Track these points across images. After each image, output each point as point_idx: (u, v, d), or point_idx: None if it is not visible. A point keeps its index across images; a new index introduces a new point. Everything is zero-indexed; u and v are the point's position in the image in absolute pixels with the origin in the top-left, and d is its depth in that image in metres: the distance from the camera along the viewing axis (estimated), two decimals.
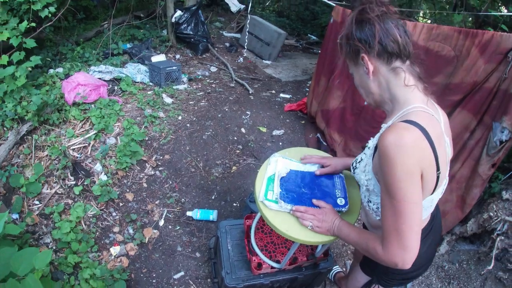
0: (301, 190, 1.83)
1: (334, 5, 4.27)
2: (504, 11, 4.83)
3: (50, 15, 4.07)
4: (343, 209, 1.74)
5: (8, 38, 3.82)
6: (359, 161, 1.56)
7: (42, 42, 5.46)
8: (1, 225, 1.93)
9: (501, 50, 2.70)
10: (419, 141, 1.19)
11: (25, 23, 3.86)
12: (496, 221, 2.96)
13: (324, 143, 4.58)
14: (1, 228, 1.92)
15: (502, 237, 2.93)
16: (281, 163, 1.97)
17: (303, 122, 5.16)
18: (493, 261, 2.89)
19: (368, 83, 1.41)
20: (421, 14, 10.03)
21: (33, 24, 3.94)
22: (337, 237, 1.64)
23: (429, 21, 9.75)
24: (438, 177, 1.30)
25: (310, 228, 1.64)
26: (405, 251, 1.24)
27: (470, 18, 5.95)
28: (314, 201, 1.73)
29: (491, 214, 3.01)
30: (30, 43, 3.95)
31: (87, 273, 2.72)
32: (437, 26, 3.09)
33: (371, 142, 1.50)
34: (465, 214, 3.19)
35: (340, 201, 1.77)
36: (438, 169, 1.27)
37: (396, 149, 1.17)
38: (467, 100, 3.00)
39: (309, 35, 10.42)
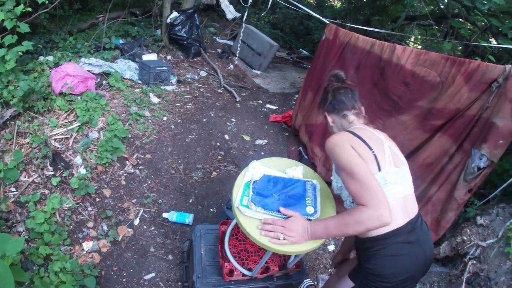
0: (272, 195, 1.85)
1: (328, 22, 4.35)
2: (494, 42, 4.96)
3: (47, 1, 4.06)
4: (311, 218, 1.76)
5: (3, 20, 3.79)
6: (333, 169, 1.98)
7: (36, 28, 5.42)
8: None
9: (485, 80, 2.80)
10: (345, 135, 1.79)
11: (21, 7, 3.86)
12: (469, 245, 3.03)
13: (305, 157, 4.63)
14: None
15: (474, 261, 2.99)
16: (259, 170, 2.00)
17: (286, 134, 5.22)
18: (464, 284, 2.94)
19: (332, 127, 2.10)
20: (412, 39, 10.24)
21: (29, 9, 3.95)
22: (315, 244, 1.71)
23: (419, 47, 9.95)
24: (375, 157, 1.72)
25: (283, 240, 1.67)
26: (378, 198, 1.52)
27: (460, 47, 6.09)
28: (281, 209, 1.76)
29: (465, 238, 3.07)
30: (24, 27, 3.94)
31: (57, 266, 2.71)
32: (425, 52, 3.19)
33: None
34: (439, 236, 3.26)
35: (310, 209, 1.80)
36: (370, 148, 1.72)
37: (332, 142, 1.75)
38: (449, 126, 3.11)
39: (301, 49, 10.51)
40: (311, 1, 13.81)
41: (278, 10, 11.37)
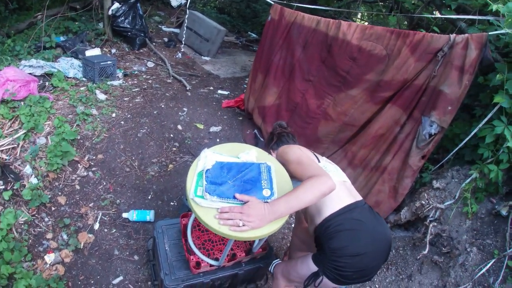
0: (226, 181, 1.85)
1: (272, 3, 4.35)
2: (438, 14, 5.09)
3: None
4: (268, 200, 1.78)
5: None
6: None
7: None
8: None
9: (431, 50, 2.91)
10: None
11: None
12: (428, 208, 3.16)
13: (261, 139, 4.67)
14: None
15: (435, 223, 3.13)
16: (210, 158, 1.99)
17: (240, 118, 5.23)
18: (427, 246, 3.07)
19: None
20: (359, 16, 10.36)
21: None
22: (275, 226, 1.74)
23: (366, 23, 10.08)
24: (315, 155, 2.25)
25: (243, 226, 1.68)
26: (320, 170, 1.84)
27: (406, 22, 6.22)
28: (237, 195, 1.78)
29: (423, 202, 3.20)
30: None
31: (22, 284, 2.64)
32: (370, 27, 3.26)
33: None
34: (398, 203, 3.40)
35: (266, 192, 1.81)
36: (311, 151, 2.28)
37: (280, 150, 2.23)
38: (398, 96, 3.22)
39: (249, 32, 10.47)
40: None
41: None
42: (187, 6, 6.73)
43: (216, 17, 9.76)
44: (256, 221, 1.69)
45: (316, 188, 1.71)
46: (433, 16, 4.64)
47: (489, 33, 2.72)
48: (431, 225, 3.14)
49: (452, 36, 2.79)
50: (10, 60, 4.90)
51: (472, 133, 3.06)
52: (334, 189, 1.75)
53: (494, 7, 2.68)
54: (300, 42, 3.99)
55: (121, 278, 2.95)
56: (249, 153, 2.12)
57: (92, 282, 2.89)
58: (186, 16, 7.18)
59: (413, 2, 5.59)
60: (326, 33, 3.63)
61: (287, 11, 4.09)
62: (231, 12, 11.33)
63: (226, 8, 11.51)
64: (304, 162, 1.95)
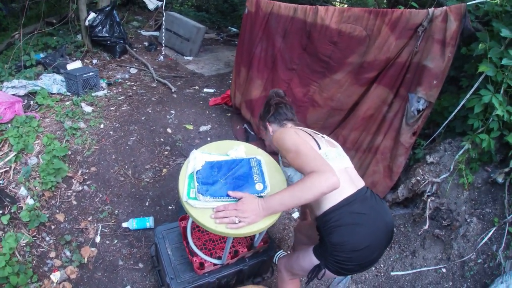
0: (217, 180, 1.85)
1: None
2: None
3: None
4: (262, 194, 1.79)
5: None
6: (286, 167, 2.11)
7: None
8: None
9: (410, 26, 2.92)
10: (288, 127, 2.17)
11: None
12: (424, 183, 3.19)
13: (252, 133, 4.68)
14: None
15: (433, 198, 3.16)
16: (200, 158, 1.99)
17: (229, 114, 5.22)
18: (427, 220, 3.10)
19: (271, 136, 2.13)
20: (338, 1, 10.36)
21: None
22: (272, 219, 1.76)
23: (345, 6, 10.09)
24: (315, 140, 2.00)
25: (239, 223, 1.69)
26: (323, 164, 1.69)
27: (385, 1, 6.22)
28: (230, 192, 1.78)
29: (419, 178, 3.23)
30: None
31: None
32: (348, 9, 3.28)
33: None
34: (393, 181, 3.42)
35: (259, 186, 1.83)
36: (309, 134, 2.04)
37: (276, 135, 1.99)
38: (382, 76, 3.23)
39: (229, 27, 10.45)
40: None
41: None
42: (163, 7, 6.69)
43: (195, 16, 9.73)
44: (252, 216, 1.70)
45: (316, 188, 1.62)
46: None
47: (468, 3, 2.74)
48: (429, 199, 3.17)
49: (431, 10, 2.81)
50: None
51: (460, 105, 3.08)
52: (337, 187, 1.65)
53: None
54: (279, 31, 3.98)
55: (128, 287, 2.96)
56: (238, 149, 2.12)
57: None
58: (164, 18, 7.14)
59: None
60: (304, 20, 3.63)
61: (263, 2, 4.07)
62: (209, 9, 11.30)
63: (203, 5, 11.47)
64: (303, 152, 1.76)
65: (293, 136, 1.88)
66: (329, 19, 3.38)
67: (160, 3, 8.57)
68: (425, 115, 3.05)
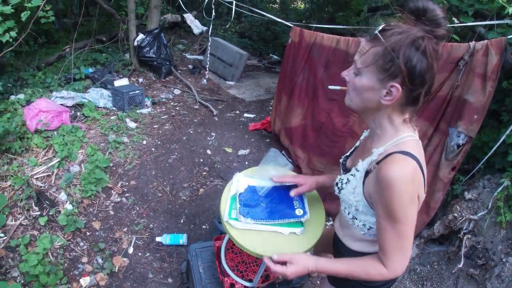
0: (258, 204, 1.85)
1: (292, 26, 4.40)
2: (456, 22, 5.08)
3: (11, 39, 4.02)
4: (302, 219, 1.76)
5: None
6: (346, 182, 1.54)
7: (3, 68, 5.37)
8: None
9: (452, 59, 2.88)
10: (416, 172, 1.27)
11: None
12: (461, 220, 3.09)
13: (289, 160, 4.66)
14: None
15: (469, 236, 3.06)
16: (243, 181, 2.00)
17: (268, 140, 5.24)
18: (462, 259, 3.01)
19: (373, 102, 1.34)
20: None
21: None
22: (308, 247, 1.70)
23: None
24: None
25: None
26: (406, 262, 1.36)
27: None
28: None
29: (456, 214, 3.14)
30: None
31: None
32: None
33: (361, 166, 1.46)
34: (430, 217, 3.32)
35: (299, 211, 1.80)
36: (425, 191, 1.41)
37: (400, 181, 1.22)
38: (423, 109, 3.16)
39: (271, 54, 10.60)
40: (275, 6, 13.94)
41: (243, 19, 11.48)
42: (209, 33, 6.87)
43: (238, 42, 9.94)
44: (298, 275, 1.54)
45: (376, 279, 1.41)
46: (451, 25, 4.62)
47: (509, 36, 2.70)
48: (465, 237, 3.08)
49: (472, 43, 2.77)
50: (42, 92, 5.05)
51: (501, 140, 3.01)
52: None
53: (510, 10, 2.66)
54: (321, 62, 4.01)
55: None
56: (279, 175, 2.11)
57: None
58: (209, 43, 7.32)
59: None
60: (347, 52, 3.64)
61: (307, 33, 4.13)
62: (252, 36, 11.51)
63: (246, 32, 11.70)
64: (402, 235, 1.32)
65: (413, 204, 1.30)
66: None
67: (204, 28, 8.81)
68: (465, 150, 2.98)
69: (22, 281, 2.89)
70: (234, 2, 5.60)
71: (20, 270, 2.90)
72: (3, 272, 2.95)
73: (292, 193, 1.82)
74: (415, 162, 1.26)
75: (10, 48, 4.34)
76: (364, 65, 1.31)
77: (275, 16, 5.04)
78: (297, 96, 4.43)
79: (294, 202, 1.88)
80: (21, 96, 4.80)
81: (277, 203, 1.87)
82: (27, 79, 5.49)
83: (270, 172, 2.12)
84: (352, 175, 1.50)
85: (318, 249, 2.56)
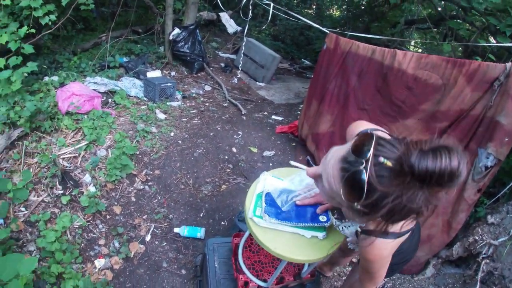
0: (284, 205, 1.83)
1: (328, 32, 4.37)
2: (493, 41, 4.97)
3: (50, 23, 4.11)
4: (325, 225, 1.75)
5: (7, 42, 3.84)
6: (342, 230, 1.65)
7: (40, 49, 5.47)
8: None
9: (487, 79, 2.79)
10: (394, 246, 1.45)
11: (24, 29, 3.92)
12: (482, 244, 3.01)
13: (314, 166, 4.61)
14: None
15: (488, 261, 2.97)
16: (270, 181, 1.99)
17: (293, 144, 5.20)
18: (478, 284, 2.93)
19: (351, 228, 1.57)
20: (412, 44, 10.27)
21: (33, 30, 4.00)
22: (329, 252, 1.69)
23: (419, 50, 9.99)
24: None
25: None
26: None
27: (460, 48, 6.11)
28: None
29: (477, 238, 3.06)
30: (28, 49, 4.01)
31: (69, 284, 2.69)
32: (426, 56, 3.19)
33: (349, 228, 1.60)
34: (451, 238, 3.23)
35: (322, 218, 1.78)
36: None
37: (378, 260, 1.46)
38: (453, 127, 3.09)
39: (302, 59, 10.57)
40: (310, 11, 13.90)
41: (278, 22, 11.46)
42: (245, 33, 6.89)
43: (271, 44, 9.92)
44: None
45: None
46: (488, 44, 4.52)
47: None
48: (483, 262, 2.99)
49: (508, 64, 2.69)
50: (76, 76, 5.13)
51: None
52: None
53: None
54: (355, 70, 3.96)
55: None
56: (306, 180, 2.08)
57: None
58: (244, 43, 7.34)
59: (467, 28, 5.49)
60: (382, 62, 3.59)
61: (342, 40, 4.08)
62: (285, 39, 11.49)
63: (280, 35, 11.69)
64: (376, 277, 1.59)
65: (385, 267, 1.53)
66: (406, 64, 3.32)
67: (239, 28, 8.83)
68: (492, 172, 2.88)
69: (38, 256, 2.94)
70: (272, 4, 5.60)
71: (37, 245, 2.96)
72: (20, 245, 3.01)
73: (319, 210, 1.80)
74: (393, 241, 1.39)
75: (49, 31, 4.45)
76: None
77: (310, 21, 5.00)
78: (328, 103, 4.38)
79: (318, 209, 1.86)
80: (55, 78, 4.90)
81: (302, 207, 1.86)
82: (62, 62, 5.62)
83: (298, 176, 2.09)
84: (345, 227, 1.62)
85: (337, 255, 2.54)
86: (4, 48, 3.96)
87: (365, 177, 0.95)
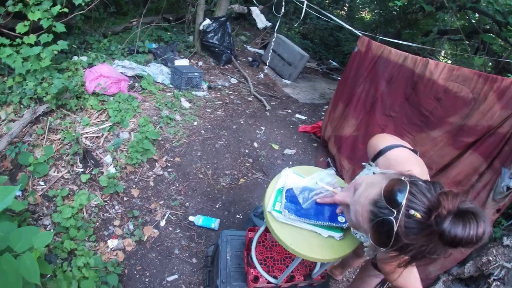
0: (304, 203, 1.82)
1: (360, 34, 4.31)
2: None
3: (83, 3, 4.15)
4: (344, 226, 1.72)
5: (39, 19, 3.89)
6: (359, 237, 1.64)
7: (71, 29, 5.52)
8: (10, 198, 1.93)
9: None
10: None
11: (57, 7, 3.98)
12: (494, 266, 2.94)
13: (334, 168, 4.57)
14: (9, 201, 1.92)
15: (498, 283, 2.90)
16: (291, 178, 1.97)
17: (315, 145, 5.16)
18: None
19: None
20: (442, 54, 10.11)
21: (65, 10, 4.04)
22: (345, 252, 1.67)
23: (449, 62, 9.84)
24: None
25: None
26: None
27: (490, 63, 6.00)
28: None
29: (490, 258, 2.99)
30: (60, 27, 4.07)
31: (81, 261, 2.72)
32: (458, 68, 3.13)
33: (364, 238, 1.58)
34: (464, 256, 3.16)
35: (341, 218, 1.75)
36: None
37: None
38: (480, 143, 3.03)
39: (330, 60, 10.49)
40: (342, 12, 13.81)
41: (308, 20, 11.39)
42: (276, 29, 6.86)
43: (300, 42, 9.88)
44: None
45: None
46: None
47: None
48: (494, 283, 2.90)
49: None
50: (105, 58, 5.19)
51: None
52: None
53: None
54: (385, 76, 3.89)
55: (175, 276, 2.97)
56: (330, 180, 2.06)
57: (148, 274, 2.94)
58: (273, 39, 7.31)
59: (500, 44, 5.38)
60: (413, 70, 3.52)
61: (374, 44, 4.01)
62: (314, 39, 11.44)
63: (309, 34, 11.64)
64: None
65: (416, 274, 1.52)
66: (438, 75, 3.25)
67: (269, 24, 8.81)
68: None
69: (52, 231, 2.97)
70: (306, 2, 5.54)
71: (53, 219, 3.00)
72: (35, 218, 3.06)
73: (338, 210, 1.77)
74: None
75: (81, 12, 4.50)
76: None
77: (342, 22, 4.94)
78: (354, 106, 4.32)
79: (338, 208, 1.84)
80: (84, 58, 4.96)
81: (322, 205, 1.84)
82: (92, 43, 5.67)
83: (320, 175, 2.06)
84: (362, 235, 1.59)
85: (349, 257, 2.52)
86: (37, 25, 4.00)
87: (394, 227, 0.99)
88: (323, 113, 5.76)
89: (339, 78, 4.82)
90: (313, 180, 1.99)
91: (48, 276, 2.56)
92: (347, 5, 13.84)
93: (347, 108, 4.43)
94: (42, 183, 3.37)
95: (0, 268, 1.76)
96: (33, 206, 3.14)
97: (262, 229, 2.36)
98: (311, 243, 1.68)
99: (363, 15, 14.22)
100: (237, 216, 3.64)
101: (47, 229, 3.01)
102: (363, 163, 1.75)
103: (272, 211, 1.76)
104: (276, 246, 2.33)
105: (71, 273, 2.65)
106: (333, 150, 4.68)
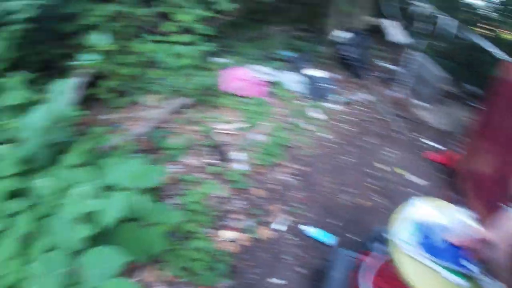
0: (442, 243, 1.72)
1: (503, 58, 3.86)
2: None
3: (233, 9, 4.56)
4: (474, 275, 1.61)
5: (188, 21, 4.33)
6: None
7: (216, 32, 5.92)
8: (155, 178, 2.17)
9: None
10: None
11: (208, 12, 4.41)
12: None
13: (466, 208, 4.21)
14: (155, 181, 2.17)
15: None
16: (424, 210, 1.88)
17: (444, 177, 4.85)
18: None
19: None
20: None
21: (217, 15, 4.46)
22: None
23: None
24: None
25: None
26: None
27: None
28: None
29: None
30: (208, 30, 4.48)
31: (194, 243, 2.97)
32: None
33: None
34: None
35: (471, 265, 1.64)
36: None
37: None
38: None
39: (464, 84, 9.76)
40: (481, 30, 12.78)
41: (450, 40, 10.74)
42: (418, 48, 6.61)
43: (439, 62, 9.36)
44: None
45: None
46: None
47: None
48: None
49: None
50: (244, 61, 5.50)
51: None
52: None
53: None
54: None
55: (282, 281, 3.01)
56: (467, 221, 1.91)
57: (255, 271, 3.03)
58: (413, 57, 7.06)
59: None
60: None
61: None
62: (454, 59, 10.75)
63: (450, 54, 10.96)
64: None
65: None
66: None
67: (408, 40, 8.50)
68: None
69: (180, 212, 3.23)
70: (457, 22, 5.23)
71: (180, 201, 3.32)
72: (163, 196, 3.37)
73: (470, 256, 1.65)
74: None
75: (230, 18, 4.83)
76: None
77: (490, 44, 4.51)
78: (500, 142, 3.84)
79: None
80: (225, 60, 5.31)
81: (454, 247, 1.71)
82: (233, 47, 6.00)
83: (457, 214, 1.93)
84: (489, 284, 1.48)
85: None
86: (185, 25, 4.41)
87: None
88: (455, 143, 5.39)
89: (477, 106, 4.37)
90: (450, 217, 1.89)
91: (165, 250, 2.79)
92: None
93: (490, 142, 4.04)
94: (173, 166, 3.71)
95: (125, 236, 2.00)
96: (163, 186, 3.46)
97: (376, 254, 2.29)
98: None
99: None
100: (354, 238, 3.57)
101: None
102: (502, 204, 1.62)
103: (400, 241, 1.71)
104: (390, 276, 2.25)
105: (185, 251, 2.90)
106: (466, 186, 4.31)
